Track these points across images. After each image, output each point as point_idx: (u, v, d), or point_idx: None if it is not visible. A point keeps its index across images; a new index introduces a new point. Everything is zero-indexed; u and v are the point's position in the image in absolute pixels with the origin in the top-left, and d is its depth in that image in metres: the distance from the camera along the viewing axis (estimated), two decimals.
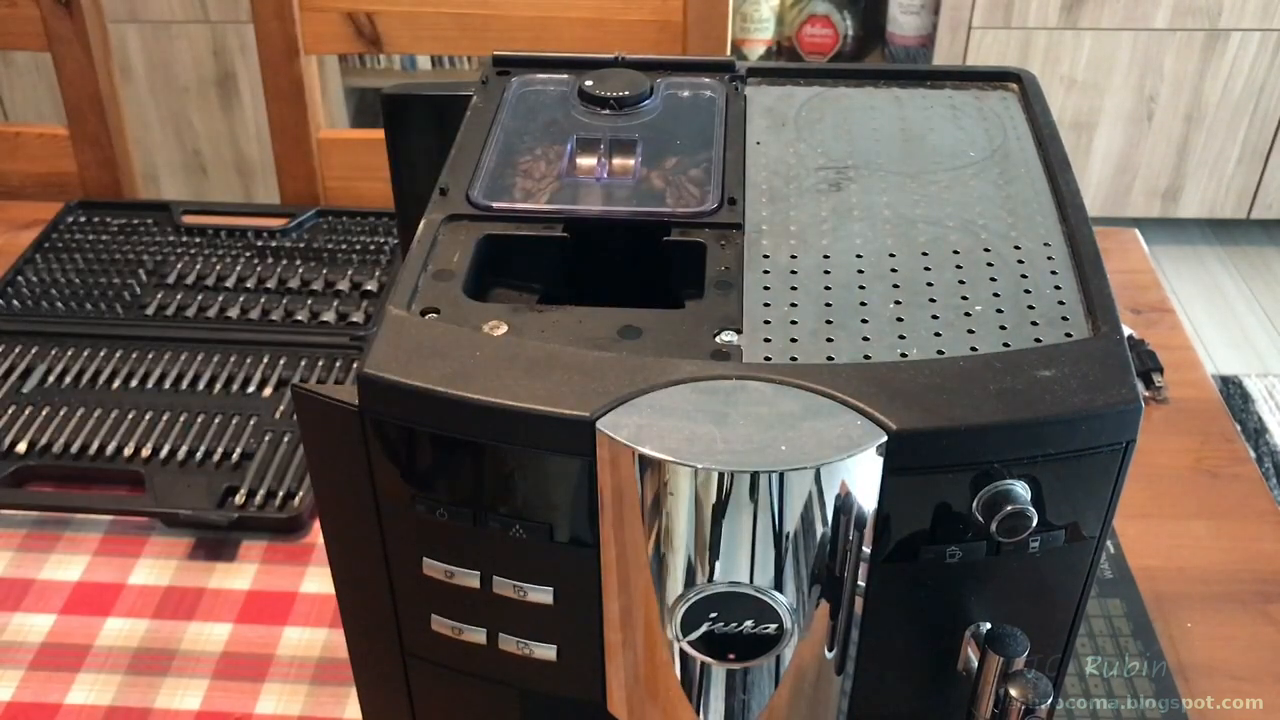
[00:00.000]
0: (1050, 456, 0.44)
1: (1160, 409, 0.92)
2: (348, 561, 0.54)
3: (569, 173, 0.59)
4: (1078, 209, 0.55)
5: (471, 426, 0.45)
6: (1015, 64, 0.70)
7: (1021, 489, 0.44)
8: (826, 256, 0.53)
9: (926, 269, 0.52)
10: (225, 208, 1.16)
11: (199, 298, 1.02)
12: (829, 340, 0.48)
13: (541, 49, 0.68)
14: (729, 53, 1.59)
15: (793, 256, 0.53)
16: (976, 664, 0.49)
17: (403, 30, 1.20)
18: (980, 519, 0.45)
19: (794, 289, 0.51)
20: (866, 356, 0.47)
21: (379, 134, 0.70)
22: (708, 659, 0.47)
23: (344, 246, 1.08)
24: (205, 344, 0.97)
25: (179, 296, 1.02)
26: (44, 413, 0.90)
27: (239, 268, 1.05)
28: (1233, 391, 2.19)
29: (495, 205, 0.57)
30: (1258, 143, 2.43)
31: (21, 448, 0.87)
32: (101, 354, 0.96)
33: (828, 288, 0.51)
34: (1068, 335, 0.48)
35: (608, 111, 0.63)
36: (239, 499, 0.83)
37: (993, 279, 0.51)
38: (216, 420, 0.89)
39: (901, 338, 0.48)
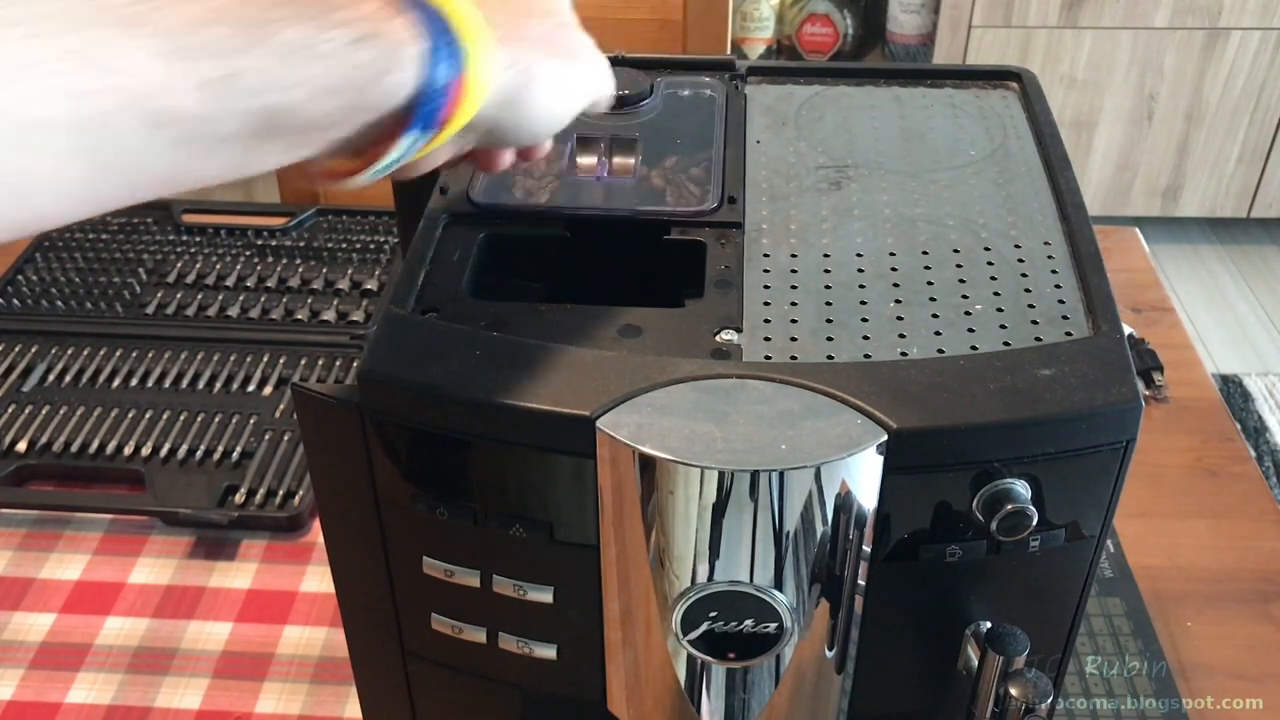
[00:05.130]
0: (1050, 455, 0.44)
1: (1160, 408, 0.92)
2: (348, 561, 0.54)
3: (569, 172, 0.59)
4: (1078, 208, 0.55)
5: (471, 425, 0.45)
6: (1015, 63, 0.70)
7: (1021, 488, 0.44)
8: (827, 255, 0.53)
9: (927, 268, 0.52)
10: (225, 206, 1.16)
11: (199, 297, 1.02)
12: (829, 339, 0.48)
13: None
14: (729, 51, 1.59)
15: (793, 255, 0.53)
16: (976, 663, 0.48)
17: None
18: (980, 518, 0.45)
19: (794, 288, 0.51)
20: (867, 355, 0.47)
21: None
22: (708, 658, 0.47)
23: (344, 245, 1.08)
24: (205, 343, 0.96)
25: (179, 295, 1.02)
26: (44, 412, 0.90)
27: (239, 267, 1.05)
28: (1233, 390, 2.19)
29: (495, 204, 0.57)
30: (1258, 141, 2.43)
31: (22, 447, 0.87)
32: (101, 353, 0.96)
33: (828, 287, 0.51)
34: (1068, 334, 0.48)
35: (607, 110, 0.62)
36: (239, 498, 0.83)
37: (993, 278, 0.51)
38: (216, 419, 0.89)
39: (902, 336, 0.48)
